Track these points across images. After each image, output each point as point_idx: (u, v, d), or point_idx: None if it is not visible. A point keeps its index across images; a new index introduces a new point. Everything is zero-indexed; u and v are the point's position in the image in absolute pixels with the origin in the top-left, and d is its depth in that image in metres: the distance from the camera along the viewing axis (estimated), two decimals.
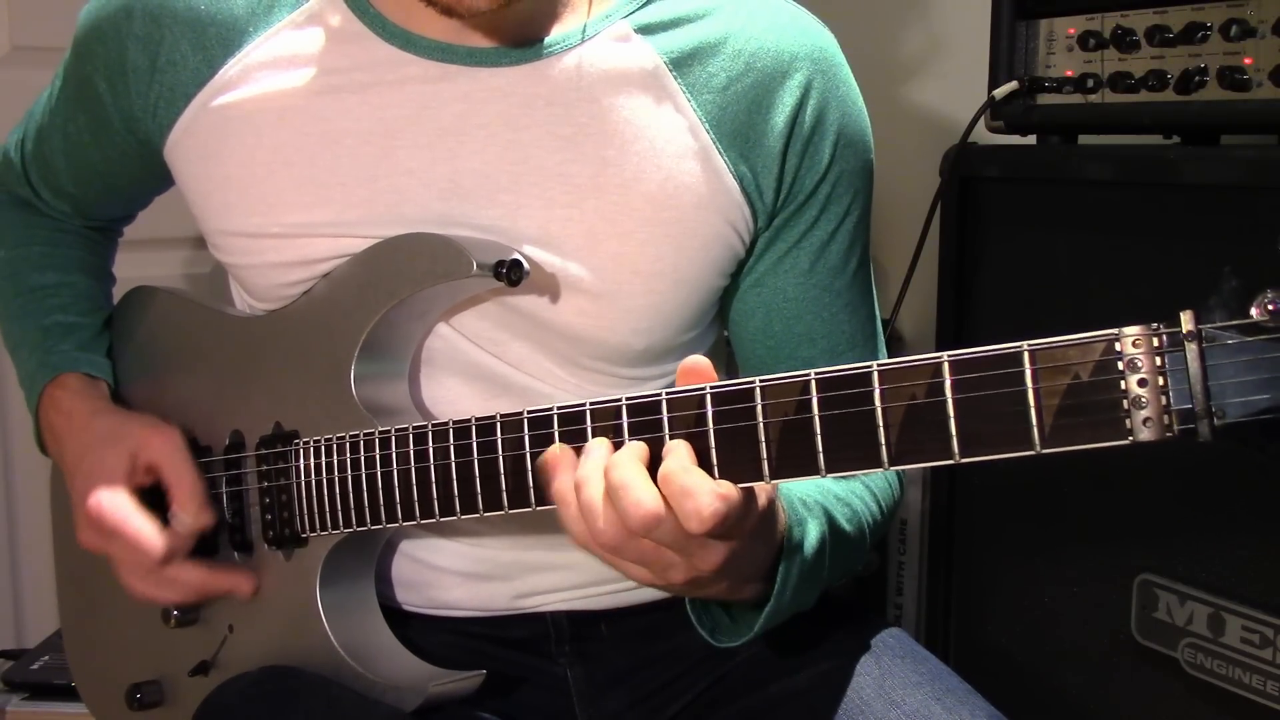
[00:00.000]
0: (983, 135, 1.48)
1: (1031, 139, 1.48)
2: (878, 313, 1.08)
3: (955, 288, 1.53)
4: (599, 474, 0.76)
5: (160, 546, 0.98)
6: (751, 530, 0.78)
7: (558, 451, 0.80)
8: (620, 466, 0.75)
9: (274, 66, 0.97)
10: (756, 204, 0.98)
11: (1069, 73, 1.39)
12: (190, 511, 1.00)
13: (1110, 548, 1.37)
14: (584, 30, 0.96)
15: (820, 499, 0.91)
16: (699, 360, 0.79)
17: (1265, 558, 1.23)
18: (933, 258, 1.54)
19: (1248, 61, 1.22)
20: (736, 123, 0.96)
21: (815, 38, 0.99)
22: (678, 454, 0.76)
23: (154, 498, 1.02)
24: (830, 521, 0.90)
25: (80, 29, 1.04)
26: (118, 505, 1.00)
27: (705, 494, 0.73)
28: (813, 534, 0.87)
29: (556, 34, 0.96)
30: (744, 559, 0.80)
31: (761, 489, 0.78)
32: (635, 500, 0.74)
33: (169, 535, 0.99)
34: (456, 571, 1.03)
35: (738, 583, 0.83)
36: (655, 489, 0.74)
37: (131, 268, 1.26)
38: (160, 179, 1.08)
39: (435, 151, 0.95)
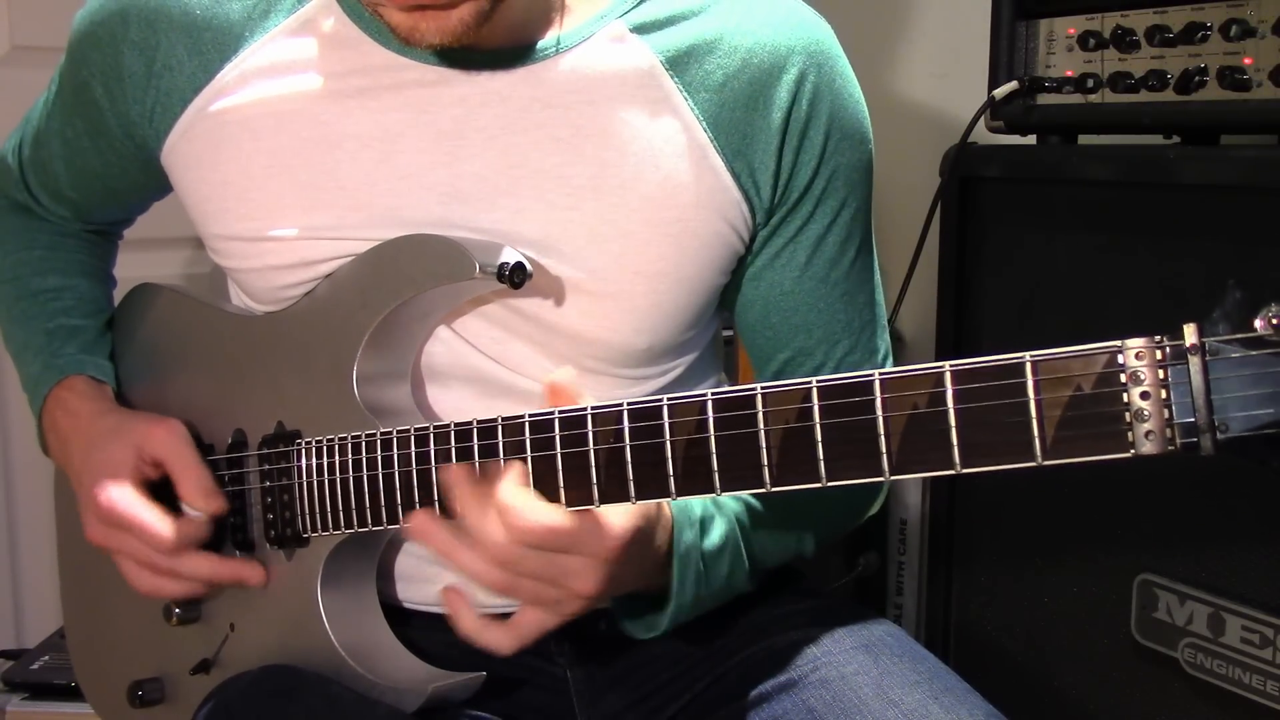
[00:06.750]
0: (983, 135, 1.48)
1: (1031, 139, 1.48)
2: (879, 296, 1.07)
3: (955, 288, 1.53)
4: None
5: (171, 535, 0.98)
6: (621, 547, 0.83)
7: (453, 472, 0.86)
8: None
9: (271, 71, 0.97)
10: (754, 201, 0.98)
11: (1069, 73, 1.39)
12: (199, 500, 1.01)
13: (1110, 548, 1.37)
14: (580, 32, 0.96)
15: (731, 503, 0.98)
16: (564, 376, 0.85)
17: (1265, 558, 1.23)
18: (933, 258, 1.54)
19: (1248, 61, 1.22)
20: (734, 120, 0.96)
21: (811, 31, 0.99)
22: (509, 476, 0.84)
23: (161, 492, 1.02)
24: (738, 517, 0.97)
25: (75, 35, 1.04)
26: (127, 498, 1.00)
27: (537, 509, 0.81)
28: (717, 530, 0.94)
29: (553, 36, 0.95)
30: (624, 573, 0.86)
31: (618, 513, 0.83)
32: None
33: (180, 524, 1.00)
34: None
35: (632, 587, 0.91)
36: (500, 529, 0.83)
37: (132, 268, 1.26)
38: (160, 184, 1.08)
39: (434, 156, 0.95)
